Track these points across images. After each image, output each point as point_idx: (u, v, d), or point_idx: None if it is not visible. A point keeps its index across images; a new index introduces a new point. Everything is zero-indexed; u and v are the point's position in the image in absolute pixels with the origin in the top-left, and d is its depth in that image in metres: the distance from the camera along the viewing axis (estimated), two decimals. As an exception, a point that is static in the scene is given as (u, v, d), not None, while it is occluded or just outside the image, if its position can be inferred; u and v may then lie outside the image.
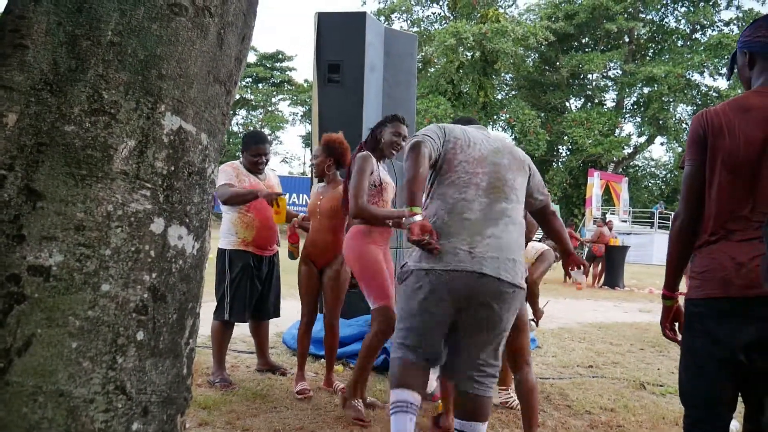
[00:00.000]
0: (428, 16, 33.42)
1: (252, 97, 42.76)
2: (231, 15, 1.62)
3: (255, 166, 4.24)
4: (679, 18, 31.87)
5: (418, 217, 2.42)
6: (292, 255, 4.28)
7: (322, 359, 4.78)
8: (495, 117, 31.03)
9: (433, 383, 3.92)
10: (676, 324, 2.27)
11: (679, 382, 2.25)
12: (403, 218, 2.52)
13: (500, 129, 33.18)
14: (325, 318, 4.07)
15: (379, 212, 3.53)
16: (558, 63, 31.95)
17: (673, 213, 6.75)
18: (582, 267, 3.04)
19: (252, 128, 41.59)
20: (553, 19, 30.27)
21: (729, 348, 1.85)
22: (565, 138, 30.28)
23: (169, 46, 1.47)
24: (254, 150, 4.24)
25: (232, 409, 3.57)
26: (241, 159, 4.36)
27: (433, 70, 30.08)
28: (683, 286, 2.23)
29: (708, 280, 1.95)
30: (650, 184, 34.83)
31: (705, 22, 30.87)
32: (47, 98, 1.37)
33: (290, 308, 5.88)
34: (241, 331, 5.41)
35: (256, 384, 4.12)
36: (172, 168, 1.48)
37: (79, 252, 1.34)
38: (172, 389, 1.50)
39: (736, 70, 2.18)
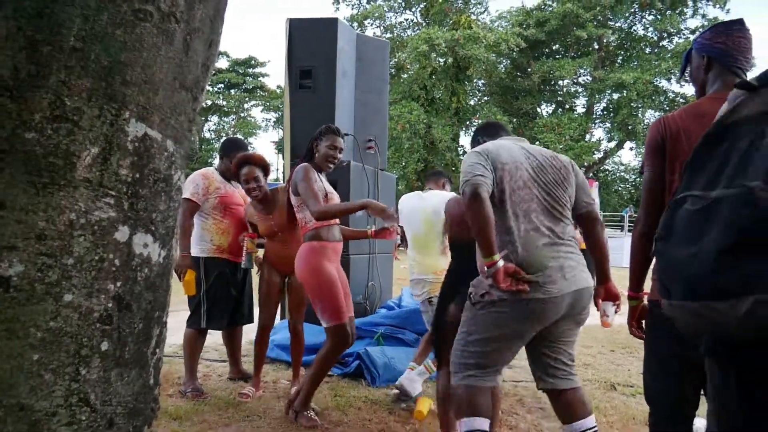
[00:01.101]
0: (401, 22, 33.54)
1: (224, 103, 42.41)
2: (197, 21, 1.60)
3: (231, 173, 4.22)
4: (647, 26, 32.46)
5: (499, 264, 2.39)
6: (250, 259, 4.14)
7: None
8: (468, 122, 31.21)
9: (418, 387, 3.93)
10: (642, 322, 2.33)
11: (643, 381, 2.29)
12: (485, 269, 2.44)
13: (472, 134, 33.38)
14: (290, 323, 4.09)
15: (342, 207, 3.52)
16: (529, 69, 32.28)
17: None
18: (616, 302, 2.82)
19: (225, 135, 41.31)
20: (525, 26, 30.62)
21: (691, 347, 1.89)
22: (537, 143, 30.54)
23: (134, 52, 1.45)
24: (234, 156, 4.21)
25: (204, 419, 3.53)
26: (217, 165, 4.34)
27: (406, 75, 30.17)
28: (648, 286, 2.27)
29: None
30: (620, 188, 35.33)
31: (672, 30, 31.48)
32: (7, 104, 1.34)
33: (263, 315, 5.83)
34: (213, 339, 5.35)
35: (228, 393, 4.08)
36: (137, 175, 1.46)
37: (41, 261, 1.31)
38: (138, 400, 1.48)
39: (688, 69, 2.23)
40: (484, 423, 2.54)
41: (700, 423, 3.50)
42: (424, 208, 4.03)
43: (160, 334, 1.57)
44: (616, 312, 2.88)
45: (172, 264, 1.63)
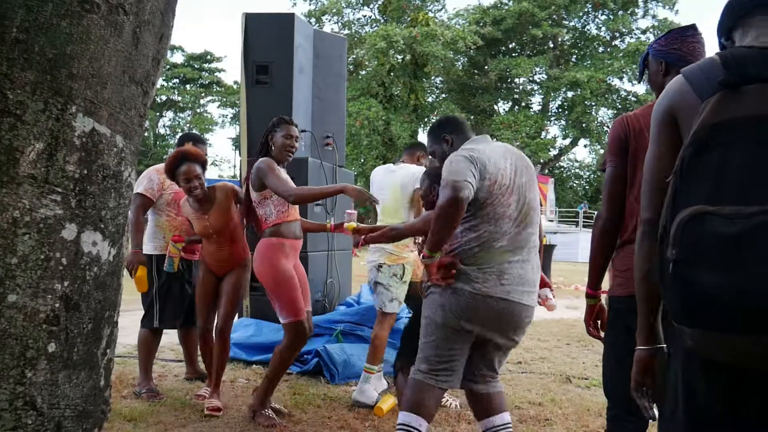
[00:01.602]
0: (359, 18, 33.50)
1: (179, 98, 41.65)
2: (147, 13, 1.57)
3: None
4: (600, 25, 33.20)
5: (436, 257, 2.46)
6: (171, 263, 3.92)
7: (254, 365, 4.70)
8: (426, 119, 31.38)
9: (372, 394, 3.92)
10: (599, 322, 2.35)
11: (603, 376, 2.33)
12: (421, 257, 2.52)
13: (431, 131, 33.56)
14: (217, 326, 3.79)
15: (318, 190, 3.51)
16: (486, 67, 32.66)
17: (596, 212, 7.02)
18: (549, 286, 2.97)
19: (180, 131, 40.60)
20: (482, 24, 30.94)
21: None
22: (495, 140, 30.86)
23: (80, 44, 1.41)
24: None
25: (160, 420, 3.46)
26: None
27: (364, 72, 30.16)
28: (605, 284, 2.31)
29: (630, 278, 2.02)
30: (575, 185, 36.08)
31: (623, 30, 32.26)
32: (-55, 98, 1.28)
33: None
34: (169, 339, 5.25)
35: (184, 393, 4.01)
36: (85, 171, 1.42)
37: (-18, 261, 1.26)
38: (88, 402, 1.44)
39: (646, 73, 2.29)
40: (422, 424, 2.54)
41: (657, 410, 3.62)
42: (393, 182, 4.09)
43: (110, 335, 1.54)
44: (553, 296, 3.02)
45: (123, 262, 1.60)
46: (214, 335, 3.88)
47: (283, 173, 3.48)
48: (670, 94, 1.42)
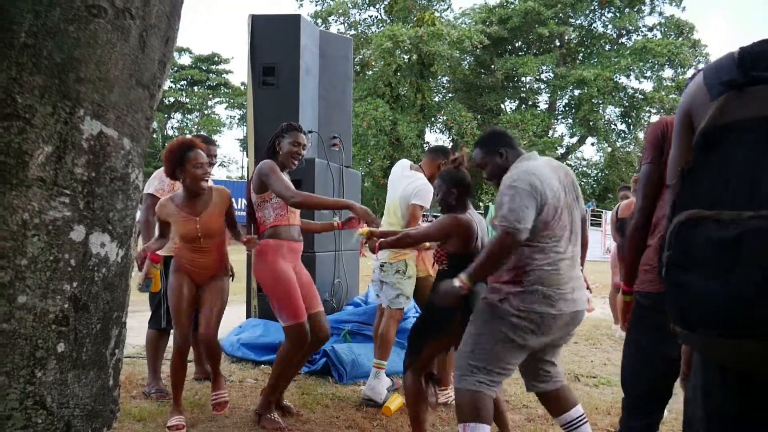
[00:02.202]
0: (365, 19, 33.49)
1: (187, 100, 41.78)
2: (153, 17, 1.58)
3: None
4: (606, 23, 33.05)
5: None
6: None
7: (262, 365, 4.72)
8: (433, 119, 31.35)
9: (382, 391, 3.93)
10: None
11: (622, 369, 2.33)
12: (455, 284, 2.61)
13: (438, 131, 33.61)
14: (202, 335, 3.53)
15: (323, 200, 3.58)
16: (493, 66, 32.58)
17: (604, 210, 6.99)
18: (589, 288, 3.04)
19: (188, 132, 40.69)
20: (488, 23, 30.88)
21: (675, 344, 1.94)
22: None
23: (88, 48, 1.42)
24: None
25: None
26: None
27: (371, 73, 30.15)
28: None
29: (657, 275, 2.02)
30: (582, 183, 35.90)
31: (630, 28, 32.10)
32: (-45, 102, 1.30)
33: (229, 314, 5.78)
34: (178, 339, 5.28)
35: (193, 393, 4.03)
36: (93, 174, 1.44)
37: (-7, 263, 1.28)
38: (97, 402, 1.45)
39: None
40: (486, 429, 2.63)
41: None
42: (399, 188, 4.17)
43: (119, 335, 1.55)
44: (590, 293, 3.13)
45: (131, 263, 1.61)
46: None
47: (285, 177, 3.48)
48: (688, 92, 1.41)
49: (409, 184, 4.15)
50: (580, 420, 2.85)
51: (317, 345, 3.64)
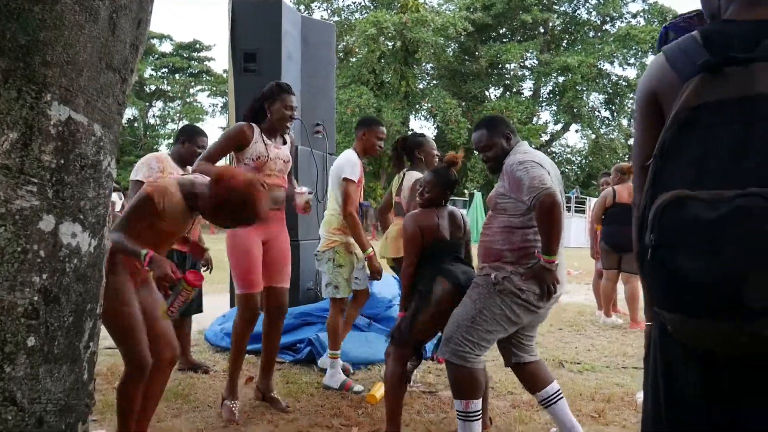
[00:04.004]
0: (348, 5, 33.33)
1: (169, 88, 41.31)
2: (124, -2, 1.52)
3: (194, 158, 4.05)
4: (590, 10, 33.12)
5: (557, 263, 2.72)
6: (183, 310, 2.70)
7: (246, 354, 4.68)
8: (417, 106, 31.29)
9: (339, 377, 3.94)
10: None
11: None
12: (538, 264, 2.71)
13: (422, 118, 33.56)
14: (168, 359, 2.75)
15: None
16: (477, 53, 32.54)
17: (588, 198, 7.03)
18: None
19: (170, 120, 40.31)
20: (472, 9, 30.79)
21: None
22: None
23: (54, 30, 1.36)
24: (200, 141, 4.14)
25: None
26: (171, 151, 4.21)
27: (354, 59, 29.99)
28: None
29: None
30: (567, 170, 36.09)
31: (614, 14, 32.20)
32: None
33: (213, 303, 5.73)
34: (161, 330, 5.23)
35: (177, 384, 3.98)
36: (62, 161, 1.38)
37: (-44, 254, 1.23)
38: (70, 396, 1.41)
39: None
40: (479, 404, 2.79)
41: (642, 396, 3.63)
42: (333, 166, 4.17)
43: (93, 327, 1.51)
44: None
45: (105, 253, 1.56)
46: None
47: (256, 146, 3.41)
48: (651, 75, 1.39)
49: (335, 162, 4.15)
50: (557, 396, 2.95)
51: (273, 323, 3.57)
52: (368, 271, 4.11)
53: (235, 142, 3.40)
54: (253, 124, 3.46)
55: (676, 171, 1.25)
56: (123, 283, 2.54)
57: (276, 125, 3.50)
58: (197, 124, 40.80)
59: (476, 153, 3.17)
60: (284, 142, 3.64)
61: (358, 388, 3.92)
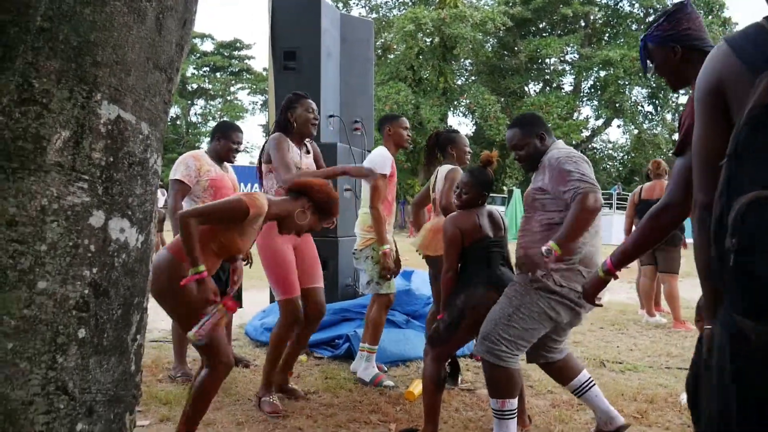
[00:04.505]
0: (386, 2, 33.27)
1: (210, 86, 42.03)
2: (170, -1, 1.56)
3: (228, 154, 4.19)
4: (633, 2, 32.35)
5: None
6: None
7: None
8: (455, 103, 31.12)
9: (372, 371, 3.96)
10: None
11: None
12: (543, 251, 2.61)
13: (461, 115, 33.37)
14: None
15: (313, 174, 3.44)
16: (516, 48, 32.16)
17: (630, 194, 6.90)
18: None
19: (212, 118, 40.96)
20: (511, 4, 30.43)
21: None
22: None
23: (104, 31, 1.40)
24: (234, 137, 4.21)
25: (194, 403, 3.52)
26: (207, 148, 4.30)
27: (392, 56, 29.99)
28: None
29: None
30: (608, 166, 35.43)
31: (658, 6, 31.37)
32: (-27, 88, 1.30)
33: (253, 299, 5.82)
34: (203, 324, 5.33)
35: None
36: (111, 159, 1.43)
37: (12, 248, 1.28)
38: (119, 387, 1.46)
39: (651, 66, 2.16)
40: (515, 402, 2.79)
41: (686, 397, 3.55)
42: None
43: (140, 320, 1.55)
44: None
45: (152, 249, 1.61)
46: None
47: (292, 154, 3.53)
48: (713, 65, 1.32)
49: (367, 160, 4.19)
50: (588, 383, 2.94)
51: (312, 323, 3.68)
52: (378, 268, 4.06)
53: (288, 150, 3.52)
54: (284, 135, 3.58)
55: (752, 171, 1.18)
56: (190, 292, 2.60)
57: (303, 130, 3.64)
58: (238, 122, 41.52)
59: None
60: (308, 152, 3.78)
61: (388, 383, 3.93)
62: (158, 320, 5.73)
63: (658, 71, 2.13)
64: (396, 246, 4.14)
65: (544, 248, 2.57)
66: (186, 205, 4.08)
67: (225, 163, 4.25)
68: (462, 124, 34.30)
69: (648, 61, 2.14)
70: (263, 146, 3.68)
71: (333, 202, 2.90)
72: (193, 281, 2.46)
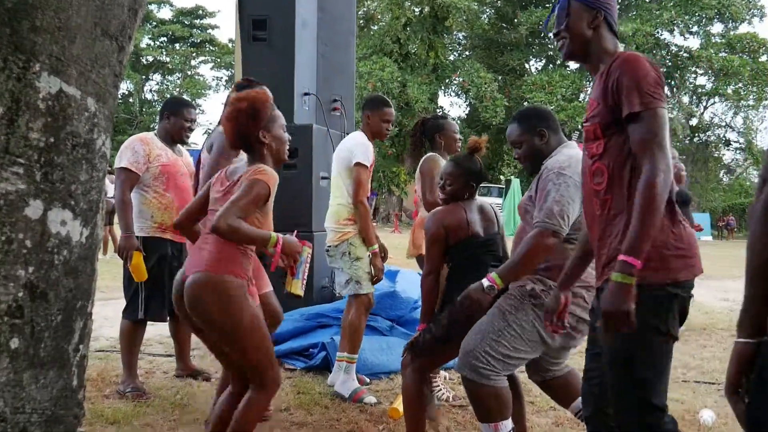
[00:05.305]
0: (370, -34, 33.19)
1: (168, 59, 41.71)
2: (121, -46, 1.52)
3: (181, 134, 4.15)
4: (647, -30, 32.64)
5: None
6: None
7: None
8: (447, 81, 31.17)
9: (352, 385, 3.97)
10: None
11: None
12: (484, 286, 2.66)
13: (453, 94, 33.44)
14: None
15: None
16: (516, 20, 32.25)
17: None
18: None
19: (169, 95, 40.64)
20: (510, -31, 30.57)
21: None
22: (525, 104, 30.70)
23: (43, -9, 1.37)
24: (186, 114, 4.16)
25: (147, 422, 3.48)
26: (157, 129, 4.24)
27: (376, 27, 29.96)
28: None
29: None
30: (618, 155, 35.76)
31: (674, -25, 31.70)
32: None
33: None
34: (158, 330, 5.29)
35: (174, 392, 4.03)
36: (52, 140, 1.39)
37: (-67, 244, 1.24)
38: (58, 405, 1.43)
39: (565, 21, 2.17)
40: (510, 423, 2.75)
41: (707, 415, 3.60)
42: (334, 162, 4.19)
43: (84, 327, 1.52)
44: None
45: (98, 245, 1.57)
46: None
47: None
48: None
49: (342, 145, 4.18)
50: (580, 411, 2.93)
51: (270, 329, 3.61)
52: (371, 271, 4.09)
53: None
54: None
55: None
56: (250, 302, 2.67)
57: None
58: (200, 101, 41.14)
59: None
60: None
61: (370, 399, 3.92)
62: (107, 327, 5.69)
63: (567, 32, 2.14)
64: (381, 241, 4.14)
65: (485, 283, 2.58)
66: (135, 197, 4.02)
67: (178, 145, 4.20)
68: (454, 105, 34.46)
69: (562, 19, 2.15)
70: (210, 134, 3.58)
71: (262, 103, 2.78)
72: (278, 251, 2.59)
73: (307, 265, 2.81)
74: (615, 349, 2.00)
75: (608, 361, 2.03)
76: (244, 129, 2.68)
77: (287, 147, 2.83)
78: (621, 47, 2.15)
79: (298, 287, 2.78)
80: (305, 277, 2.81)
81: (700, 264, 1.98)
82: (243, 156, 3.07)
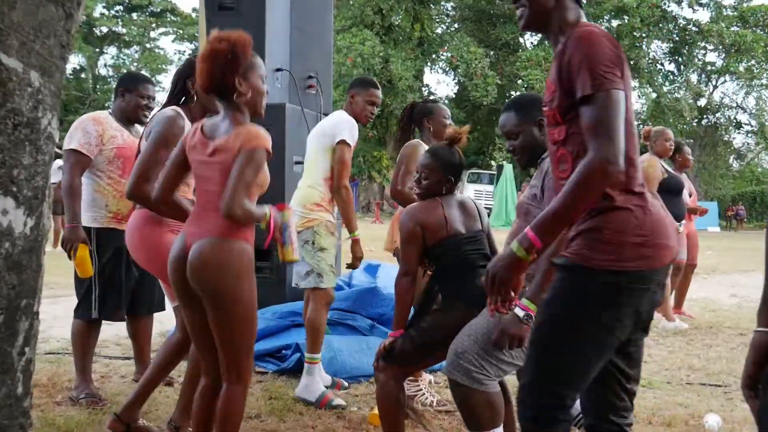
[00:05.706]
0: (350, -72, 33.08)
1: (124, 30, 41.37)
2: None
3: (138, 113, 4.10)
4: (653, -65, 32.78)
5: None
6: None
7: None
8: (434, 56, 31.17)
9: (318, 389, 3.98)
10: None
11: None
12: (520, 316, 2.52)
13: (440, 71, 33.45)
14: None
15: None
16: (510, -11, 32.31)
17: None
18: None
19: (125, 71, 40.32)
20: (504, -67, 30.59)
21: None
22: (519, 81, 30.84)
23: (-20, -49, 1.35)
24: (143, 90, 4.11)
25: (103, 431, 3.47)
26: (112, 109, 4.20)
27: (356, -3, 29.87)
28: None
29: None
30: (620, 138, 36.02)
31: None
32: None
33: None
34: (115, 331, 5.25)
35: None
36: (-10, 119, 1.37)
37: None
38: (1, 415, 1.41)
39: None
40: (501, 430, 2.78)
41: (712, 420, 3.64)
42: (310, 143, 4.24)
43: (30, 329, 1.51)
44: None
45: (44, 236, 1.56)
46: None
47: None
48: None
49: (323, 122, 4.25)
50: (580, 417, 2.89)
51: None
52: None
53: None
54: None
55: None
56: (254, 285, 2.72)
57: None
58: (160, 76, 40.87)
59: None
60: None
61: (338, 402, 3.93)
62: (57, 327, 5.65)
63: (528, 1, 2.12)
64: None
65: (520, 313, 2.35)
66: (86, 182, 3.98)
67: (136, 126, 4.16)
68: (441, 82, 34.55)
69: None
70: (150, 117, 3.56)
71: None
72: (272, 226, 2.70)
73: (292, 228, 2.89)
74: (543, 320, 2.05)
75: (534, 328, 2.10)
76: (219, 72, 2.63)
77: (265, 99, 2.79)
78: (584, 18, 2.11)
79: (292, 253, 2.87)
80: (294, 239, 2.89)
81: (662, 255, 1.94)
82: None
